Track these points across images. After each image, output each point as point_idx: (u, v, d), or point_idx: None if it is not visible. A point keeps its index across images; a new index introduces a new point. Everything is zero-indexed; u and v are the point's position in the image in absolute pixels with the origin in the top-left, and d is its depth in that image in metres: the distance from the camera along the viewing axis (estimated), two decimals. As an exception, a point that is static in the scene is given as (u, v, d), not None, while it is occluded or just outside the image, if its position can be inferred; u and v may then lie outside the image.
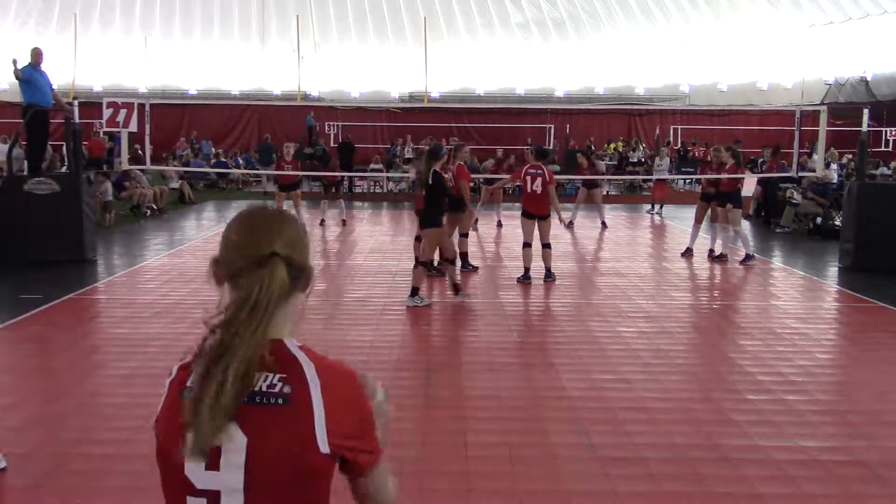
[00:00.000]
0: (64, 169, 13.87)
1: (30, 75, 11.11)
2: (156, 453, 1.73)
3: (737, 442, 4.91)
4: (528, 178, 9.70)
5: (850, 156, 19.93)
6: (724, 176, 11.80)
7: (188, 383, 1.55)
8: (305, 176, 23.39)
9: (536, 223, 9.71)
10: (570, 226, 15.41)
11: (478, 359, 6.56)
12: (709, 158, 14.55)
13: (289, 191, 14.22)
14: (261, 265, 1.52)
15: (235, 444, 1.49)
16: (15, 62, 11.04)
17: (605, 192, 22.91)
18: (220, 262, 1.58)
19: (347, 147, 23.65)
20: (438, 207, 8.50)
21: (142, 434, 4.89)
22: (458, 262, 9.24)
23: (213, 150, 26.91)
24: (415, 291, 8.47)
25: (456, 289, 8.59)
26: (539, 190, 9.62)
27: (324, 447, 1.50)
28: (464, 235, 10.67)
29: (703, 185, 12.55)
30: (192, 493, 1.57)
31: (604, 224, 15.72)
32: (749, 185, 18.02)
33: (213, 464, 1.51)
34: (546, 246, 9.75)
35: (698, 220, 12.24)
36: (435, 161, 8.47)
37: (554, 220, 10.14)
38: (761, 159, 18.85)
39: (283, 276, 1.53)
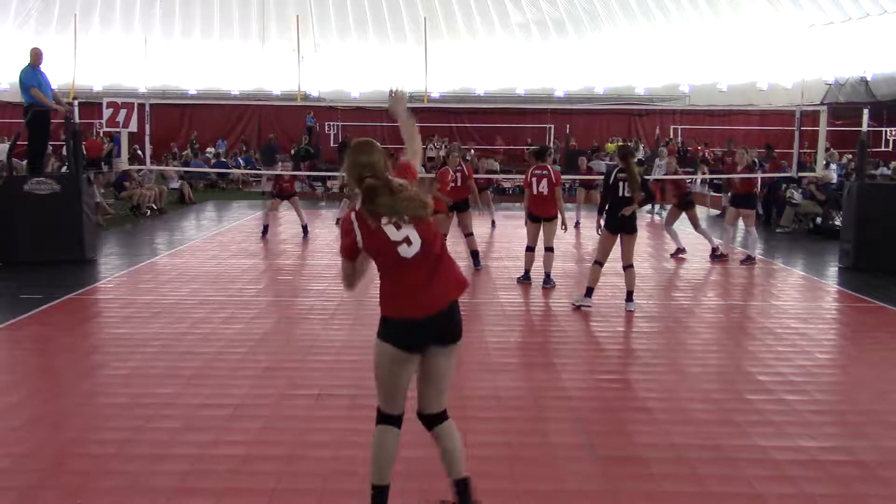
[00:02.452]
0: (64, 169, 13.87)
1: (32, 77, 11.08)
2: (365, 250, 3.55)
3: (737, 442, 4.91)
4: (534, 179, 9.42)
5: (850, 155, 19.94)
6: (743, 175, 11.93)
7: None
8: (308, 177, 23.47)
9: (542, 226, 9.55)
10: (576, 226, 15.43)
11: (478, 359, 6.56)
12: (732, 160, 14.47)
13: (286, 199, 14.25)
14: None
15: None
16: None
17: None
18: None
19: (345, 147, 23.65)
20: None
21: (142, 434, 4.90)
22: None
23: (218, 149, 26.92)
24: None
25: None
26: (545, 191, 9.36)
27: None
28: (469, 235, 10.71)
29: (734, 187, 12.30)
30: (396, 243, 3.47)
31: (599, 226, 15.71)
32: None
33: (403, 236, 3.47)
34: (549, 249, 9.55)
35: (731, 223, 12.32)
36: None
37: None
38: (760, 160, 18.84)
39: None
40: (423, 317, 3.53)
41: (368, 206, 3.44)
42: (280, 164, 15.11)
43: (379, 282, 3.64)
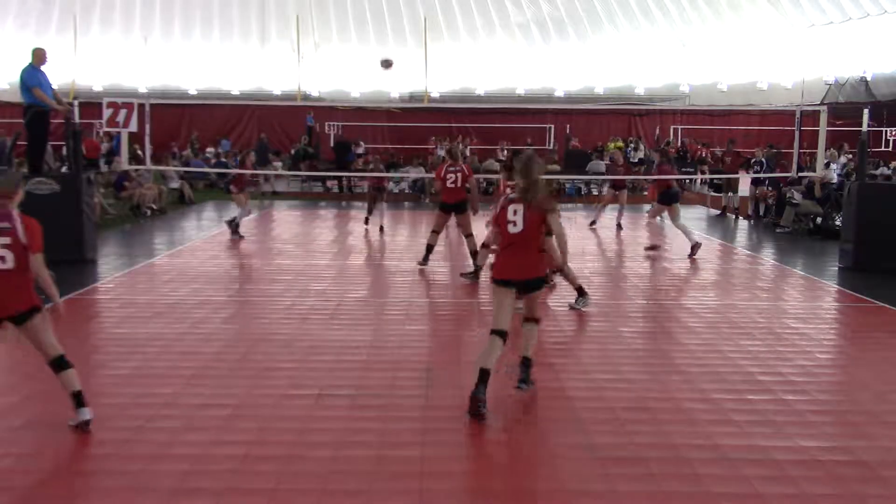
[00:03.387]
0: (63, 169, 13.87)
1: (32, 77, 11.07)
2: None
3: (737, 442, 4.91)
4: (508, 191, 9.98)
5: (850, 155, 19.94)
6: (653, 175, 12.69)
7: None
8: (309, 177, 23.49)
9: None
10: (592, 225, 15.42)
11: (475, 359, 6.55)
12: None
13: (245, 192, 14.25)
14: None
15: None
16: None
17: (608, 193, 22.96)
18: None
19: (342, 147, 23.67)
20: None
21: (142, 434, 4.90)
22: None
23: (221, 149, 26.91)
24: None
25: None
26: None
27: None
28: (469, 236, 10.68)
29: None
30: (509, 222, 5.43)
31: (619, 226, 15.50)
32: (743, 185, 18.08)
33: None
34: (470, 235, 10.38)
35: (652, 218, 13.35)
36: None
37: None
38: (754, 159, 18.85)
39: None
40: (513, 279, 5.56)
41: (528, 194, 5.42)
42: (248, 159, 14.95)
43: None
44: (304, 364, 6.49)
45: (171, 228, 15.24)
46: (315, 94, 30.51)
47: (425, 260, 10.66)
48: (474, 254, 10.60)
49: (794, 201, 15.57)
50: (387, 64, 20.05)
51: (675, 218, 12.46)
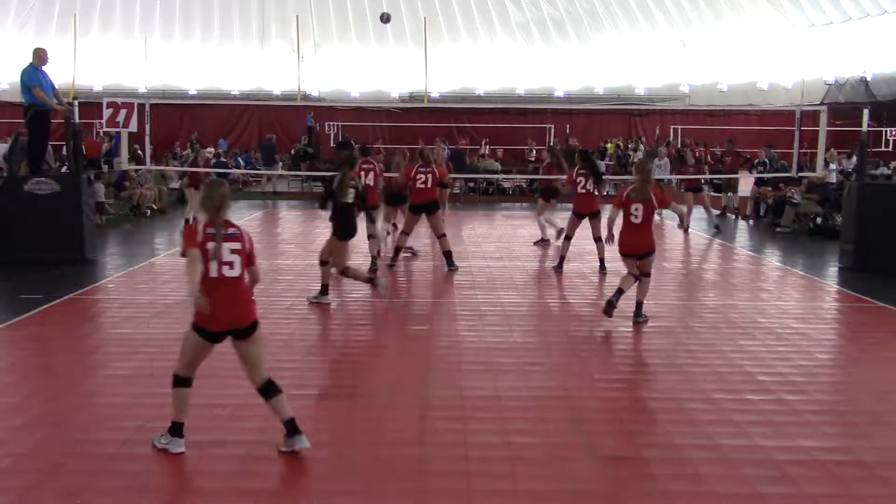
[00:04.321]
0: (63, 169, 13.87)
1: (33, 77, 11.06)
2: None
3: (737, 442, 4.91)
4: (581, 178, 10.58)
5: (849, 156, 19.94)
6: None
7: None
8: (309, 177, 23.48)
9: (588, 219, 10.64)
10: (717, 232, 14.76)
11: (478, 359, 6.56)
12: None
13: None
14: None
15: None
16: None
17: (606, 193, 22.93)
18: None
19: (346, 146, 23.67)
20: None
21: (142, 434, 4.90)
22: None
23: (219, 149, 26.92)
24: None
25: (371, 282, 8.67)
26: (591, 188, 10.64)
27: None
28: (442, 236, 10.68)
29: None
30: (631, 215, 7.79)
31: (686, 229, 14.22)
32: (745, 185, 18.07)
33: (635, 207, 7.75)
34: (598, 240, 10.49)
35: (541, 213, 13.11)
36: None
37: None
38: (758, 160, 18.85)
39: None
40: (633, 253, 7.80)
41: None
42: (205, 153, 14.93)
43: None
44: (304, 364, 6.49)
45: (171, 228, 15.24)
46: (315, 94, 30.51)
47: (394, 260, 10.74)
48: (448, 254, 10.54)
49: (794, 201, 15.57)
50: (386, 18, 20.72)
51: (541, 211, 12.92)
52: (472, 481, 4.30)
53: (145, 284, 9.74)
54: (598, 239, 10.58)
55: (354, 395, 5.65)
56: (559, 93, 30.53)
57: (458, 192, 21.25)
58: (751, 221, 17.16)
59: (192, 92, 30.09)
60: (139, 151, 18.01)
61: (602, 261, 10.59)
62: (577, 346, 7.32)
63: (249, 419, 5.22)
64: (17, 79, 11.38)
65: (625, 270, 7.96)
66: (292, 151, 25.89)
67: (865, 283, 9.93)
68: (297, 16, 27.47)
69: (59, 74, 18.29)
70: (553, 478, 4.43)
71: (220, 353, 6.83)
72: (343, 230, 8.39)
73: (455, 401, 5.50)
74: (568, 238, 10.75)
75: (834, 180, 16.44)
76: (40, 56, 11.16)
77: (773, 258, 12.51)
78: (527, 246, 12.92)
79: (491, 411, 5.38)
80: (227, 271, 4.37)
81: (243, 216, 16.87)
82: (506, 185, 23.05)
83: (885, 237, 10.72)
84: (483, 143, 26.55)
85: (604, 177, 11.48)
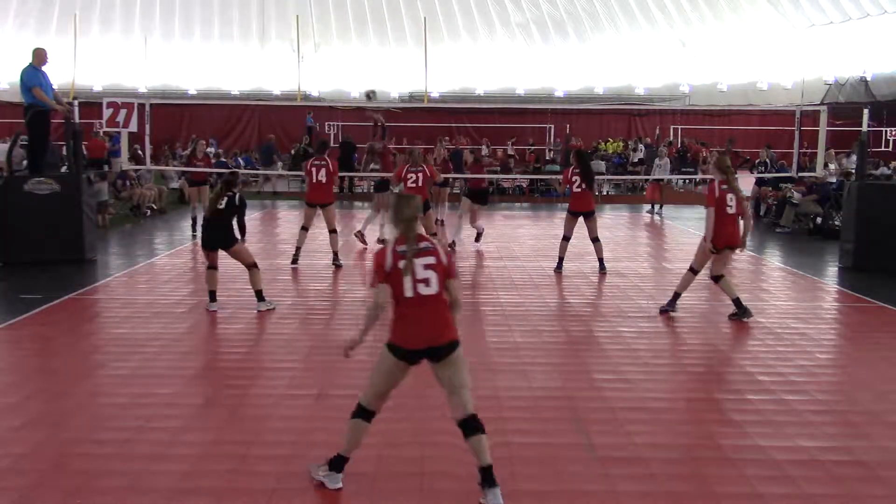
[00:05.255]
0: (63, 169, 13.86)
1: (33, 77, 11.05)
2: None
3: (737, 442, 4.91)
4: (577, 177, 10.51)
5: (846, 159, 19.92)
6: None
7: None
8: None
9: (584, 219, 10.58)
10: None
11: (478, 359, 6.55)
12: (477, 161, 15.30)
13: (199, 186, 14.20)
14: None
15: None
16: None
17: (606, 192, 22.96)
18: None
19: (348, 146, 23.68)
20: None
21: (142, 434, 4.90)
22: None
23: (214, 149, 26.90)
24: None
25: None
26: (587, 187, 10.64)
27: None
28: (433, 235, 10.73)
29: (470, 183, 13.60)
30: (727, 205, 7.98)
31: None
32: (745, 185, 18.06)
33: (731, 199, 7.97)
34: (595, 240, 10.52)
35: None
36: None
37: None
38: (759, 160, 18.84)
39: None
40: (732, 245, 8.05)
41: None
42: (199, 144, 14.83)
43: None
44: (304, 364, 6.49)
45: (171, 228, 15.23)
46: (315, 94, 30.51)
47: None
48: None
49: (794, 201, 15.57)
50: (371, 95, 21.04)
51: (464, 212, 12.93)
52: (472, 481, 4.29)
53: (145, 284, 9.74)
54: (595, 239, 10.57)
55: (353, 395, 5.64)
56: (559, 93, 30.52)
57: (458, 192, 21.24)
58: (751, 221, 17.17)
59: (192, 92, 30.08)
60: (139, 151, 18.00)
61: (601, 261, 10.59)
62: (577, 346, 7.32)
63: (249, 419, 5.22)
64: (17, 79, 11.38)
65: (636, 271, 8.02)
66: (292, 151, 25.89)
67: (865, 283, 9.94)
68: (297, 16, 27.45)
69: (59, 74, 18.31)
70: (553, 478, 4.43)
71: (219, 353, 6.87)
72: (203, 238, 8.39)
73: (455, 401, 5.49)
74: (566, 238, 10.73)
75: (833, 180, 16.42)
76: (40, 56, 11.15)
77: (773, 258, 12.51)
78: (527, 246, 12.92)
79: (491, 411, 5.36)
80: (422, 289, 4.03)
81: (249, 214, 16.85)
82: (505, 184, 23.06)
83: (885, 237, 10.73)
84: (484, 143, 26.54)
85: (596, 177, 11.62)
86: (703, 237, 8.12)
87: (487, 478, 3.97)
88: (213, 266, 8.33)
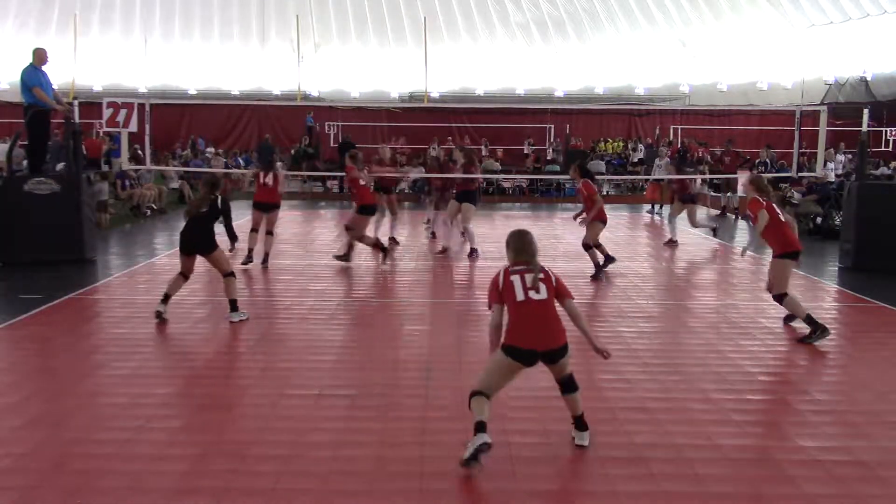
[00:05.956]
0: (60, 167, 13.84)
1: (33, 76, 11.05)
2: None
3: (737, 442, 4.91)
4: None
5: (850, 155, 19.94)
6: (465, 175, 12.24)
7: None
8: (310, 176, 23.49)
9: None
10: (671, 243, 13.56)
11: (478, 359, 6.55)
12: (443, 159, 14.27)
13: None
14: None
15: None
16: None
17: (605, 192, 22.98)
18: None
19: (347, 146, 23.72)
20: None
21: (142, 434, 4.90)
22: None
23: (213, 149, 26.93)
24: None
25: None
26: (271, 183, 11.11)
27: None
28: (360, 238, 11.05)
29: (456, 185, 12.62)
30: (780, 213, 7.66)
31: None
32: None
33: None
34: (587, 247, 10.35)
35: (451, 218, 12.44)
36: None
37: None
38: (759, 160, 18.85)
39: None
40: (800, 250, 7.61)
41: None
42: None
43: None
44: (304, 364, 6.49)
45: (171, 228, 15.23)
46: (315, 94, 30.51)
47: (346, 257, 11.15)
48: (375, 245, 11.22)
49: (794, 201, 15.57)
50: None
51: (453, 214, 12.33)
52: (471, 481, 4.30)
53: (145, 284, 9.74)
54: (587, 246, 10.36)
55: (354, 395, 5.65)
56: (559, 93, 30.53)
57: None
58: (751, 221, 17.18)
59: (192, 92, 30.09)
60: (139, 151, 18.01)
61: (597, 266, 10.35)
62: (577, 345, 7.30)
63: (249, 419, 5.22)
64: (17, 79, 11.39)
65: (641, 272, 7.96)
66: (292, 151, 25.91)
67: (865, 283, 9.94)
68: (297, 16, 27.47)
69: (59, 74, 18.33)
70: (553, 478, 4.43)
71: (219, 353, 6.86)
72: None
73: (455, 401, 5.49)
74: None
75: (833, 179, 16.44)
76: (40, 56, 11.16)
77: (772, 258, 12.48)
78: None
79: (491, 411, 5.37)
80: (532, 295, 4.58)
81: (244, 216, 16.88)
82: (505, 184, 23.08)
83: (885, 237, 10.73)
84: (483, 143, 26.59)
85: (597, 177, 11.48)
86: (773, 257, 7.50)
87: (579, 424, 4.80)
88: (185, 274, 7.85)
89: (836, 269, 11.24)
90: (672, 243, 13.39)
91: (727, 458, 4.64)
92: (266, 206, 11.32)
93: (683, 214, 13.78)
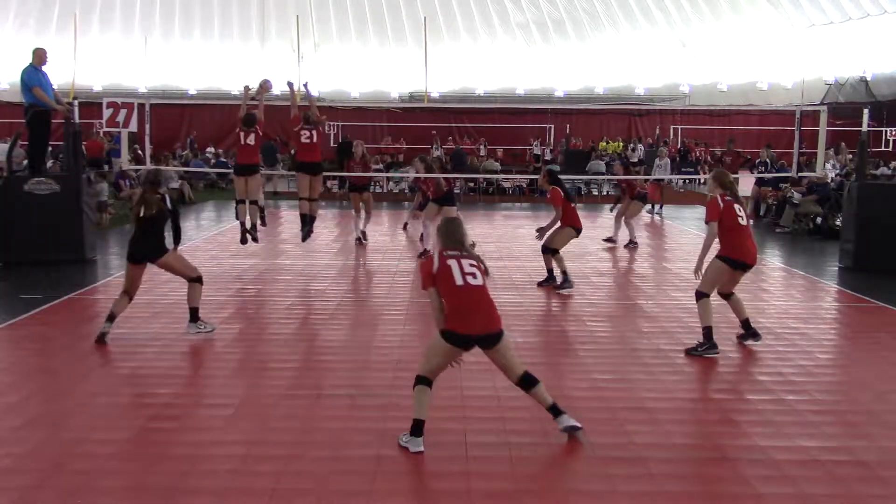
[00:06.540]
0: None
1: (33, 76, 11.05)
2: None
3: (737, 442, 4.91)
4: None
5: (850, 155, 19.93)
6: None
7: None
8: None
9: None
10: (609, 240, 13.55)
11: (478, 359, 6.54)
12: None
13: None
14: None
15: None
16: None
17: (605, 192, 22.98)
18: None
19: (347, 146, 23.71)
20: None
21: (142, 434, 4.90)
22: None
23: (213, 149, 26.93)
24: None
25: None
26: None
27: None
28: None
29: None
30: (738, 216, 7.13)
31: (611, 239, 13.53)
32: (746, 185, 18.08)
33: None
34: (546, 250, 9.59)
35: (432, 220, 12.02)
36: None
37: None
38: (759, 160, 18.84)
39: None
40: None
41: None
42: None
43: None
44: (304, 364, 6.49)
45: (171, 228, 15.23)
46: (315, 94, 30.49)
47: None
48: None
49: (795, 201, 15.58)
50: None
51: (430, 219, 11.78)
52: (472, 481, 4.30)
53: (145, 284, 9.70)
54: (546, 249, 9.66)
55: (354, 395, 5.65)
56: (559, 93, 30.51)
57: (458, 191, 21.26)
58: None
59: (192, 92, 30.07)
60: (139, 151, 18.00)
61: (549, 272, 9.75)
62: (577, 346, 7.32)
63: (249, 419, 5.22)
64: (17, 79, 11.39)
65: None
66: (292, 151, 25.89)
67: (865, 283, 9.93)
68: (297, 15, 27.45)
69: (59, 74, 18.31)
70: (553, 478, 4.43)
71: (219, 353, 6.85)
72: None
73: (455, 401, 5.50)
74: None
75: (838, 170, 16.43)
76: (40, 56, 11.16)
77: (773, 258, 12.50)
78: (527, 246, 12.91)
79: (491, 411, 5.38)
80: (471, 280, 4.84)
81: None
82: (506, 184, 23.07)
83: (885, 237, 10.73)
84: (482, 143, 26.57)
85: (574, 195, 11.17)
86: (698, 260, 7.05)
87: (555, 411, 4.85)
88: (129, 292, 7.13)
89: (836, 269, 11.24)
90: (611, 241, 13.21)
91: (727, 458, 4.64)
92: (245, 168, 10.78)
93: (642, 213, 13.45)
